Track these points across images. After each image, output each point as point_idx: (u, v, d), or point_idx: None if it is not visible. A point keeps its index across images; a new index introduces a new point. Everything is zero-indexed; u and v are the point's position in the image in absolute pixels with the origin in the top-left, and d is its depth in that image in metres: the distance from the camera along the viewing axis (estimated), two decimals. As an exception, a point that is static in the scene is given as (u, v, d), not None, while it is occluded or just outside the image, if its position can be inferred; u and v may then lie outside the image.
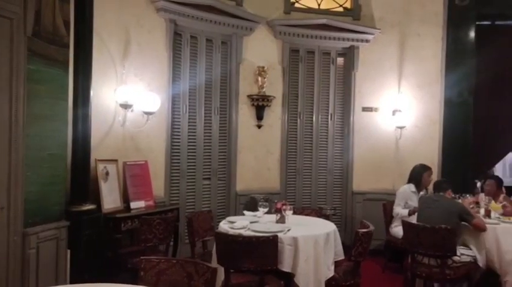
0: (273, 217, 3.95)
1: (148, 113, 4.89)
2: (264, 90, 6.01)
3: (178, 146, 5.54)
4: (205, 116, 5.77)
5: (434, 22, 6.37)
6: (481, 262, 4.15)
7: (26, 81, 3.39)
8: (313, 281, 3.47)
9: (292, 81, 6.29)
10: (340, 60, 6.49)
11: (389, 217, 5.40)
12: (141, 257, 2.61)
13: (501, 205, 4.67)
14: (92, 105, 4.19)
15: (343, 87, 6.48)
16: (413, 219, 4.55)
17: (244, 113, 6.03)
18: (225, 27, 5.80)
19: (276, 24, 6.07)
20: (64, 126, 3.87)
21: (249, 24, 5.93)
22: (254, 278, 3.51)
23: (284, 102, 6.22)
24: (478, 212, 4.59)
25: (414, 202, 5.04)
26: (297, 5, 6.38)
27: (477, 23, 6.29)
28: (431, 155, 6.30)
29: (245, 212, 4.29)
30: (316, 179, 6.40)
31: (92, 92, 4.18)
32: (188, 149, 5.63)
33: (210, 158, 5.84)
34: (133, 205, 4.72)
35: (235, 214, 5.38)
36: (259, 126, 6.11)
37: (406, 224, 4.21)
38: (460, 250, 4.15)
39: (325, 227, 3.84)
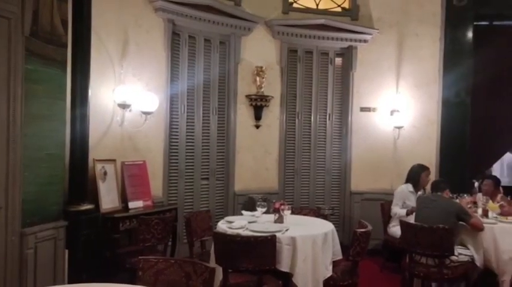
0: (271, 217, 3.95)
1: (146, 113, 4.88)
2: (262, 90, 6.01)
3: (177, 146, 5.54)
4: (203, 116, 5.78)
5: (432, 22, 6.38)
6: (478, 262, 4.16)
7: (23, 81, 3.38)
8: (311, 281, 3.47)
9: (290, 81, 6.30)
10: (338, 61, 6.49)
11: (387, 217, 5.40)
12: (139, 257, 2.61)
13: (498, 204, 4.67)
14: (90, 105, 4.19)
15: (341, 87, 6.49)
16: (411, 219, 4.56)
17: (243, 113, 6.03)
18: (223, 27, 5.80)
19: (274, 24, 6.08)
20: (62, 126, 3.87)
21: (247, 24, 5.93)
22: (252, 278, 3.51)
23: (282, 103, 6.23)
24: (476, 212, 4.60)
25: (412, 202, 5.05)
26: (295, 5, 6.39)
27: (475, 23, 6.30)
28: (429, 155, 6.31)
29: (243, 212, 4.28)
30: (314, 179, 6.40)
31: (90, 92, 4.17)
32: (186, 149, 5.63)
33: (208, 158, 5.84)
34: (131, 204, 4.72)
35: (233, 214, 5.37)
36: (257, 127, 6.11)
37: (404, 224, 4.22)
38: (458, 249, 4.16)
39: (323, 227, 3.84)
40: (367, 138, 6.43)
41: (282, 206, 3.91)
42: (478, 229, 4.16)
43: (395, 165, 6.35)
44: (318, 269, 3.52)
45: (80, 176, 4.12)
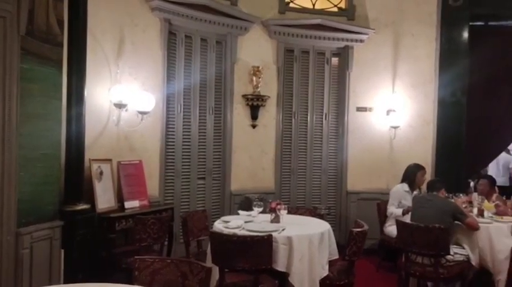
0: (268, 217, 3.95)
1: (142, 113, 4.87)
2: (258, 90, 6.01)
3: (173, 145, 5.53)
4: (199, 116, 5.77)
5: (428, 22, 6.40)
6: (474, 261, 4.18)
7: (19, 80, 3.37)
8: (307, 281, 3.48)
9: (286, 81, 6.30)
10: (334, 60, 6.50)
11: (383, 217, 5.42)
12: (136, 257, 2.61)
13: (494, 204, 4.70)
14: (86, 105, 4.17)
15: (337, 87, 6.50)
16: (407, 218, 4.57)
17: (239, 113, 6.03)
18: (220, 26, 5.79)
19: (270, 24, 6.08)
20: (58, 126, 3.85)
21: (243, 24, 5.93)
22: (249, 277, 3.52)
23: (279, 102, 6.23)
24: (471, 211, 4.62)
25: (408, 201, 5.06)
26: (291, 5, 6.39)
27: (470, 23, 6.33)
28: (425, 154, 6.34)
29: (240, 211, 4.29)
30: (310, 178, 6.41)
31: (85, 91, 4.15)
32: (183, 148, 5.62)
33: (204, 158, 5.84)
34: (127, 204, 4.71)
35: (229, 214, 5.37)
36: (253, 126, 6.11)
37: (400, 224, 4.23)
38: (454, 249, 4.17)
39: (319, 227, 3.84)
40: (363, 138, 6.44)
41: (279, 206, 3.91)
42: (474, 228, 4.18)
43: (391, 165, 6.36)
44: (314, 269, 3.53)
45: (76, 176, 4.10)
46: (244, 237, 3.39)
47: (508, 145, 7.68)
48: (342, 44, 6.40)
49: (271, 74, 6.17)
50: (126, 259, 4.07)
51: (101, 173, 4.49)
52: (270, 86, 6.14)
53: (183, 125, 5.62)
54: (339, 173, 6.49)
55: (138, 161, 5.02)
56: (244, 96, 6.00)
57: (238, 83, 5.99)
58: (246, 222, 3.84)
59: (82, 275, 3.90)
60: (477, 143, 6.43)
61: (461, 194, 4.92)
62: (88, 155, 4.31)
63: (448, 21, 6.33)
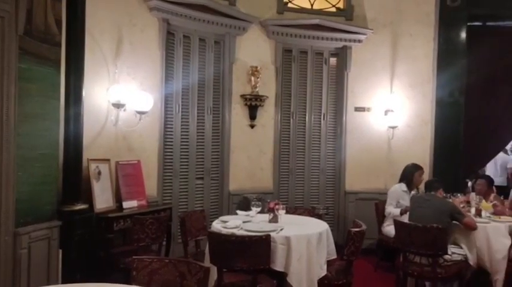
0: (266, 217, 3.95)
1: (141, 113, 4.87)
2: (257, 90, 6.01)
3: (171, 145, 5.53)
4: (198, 116, 5.77)
5: (426, 22, 6.42)
6: (471, 261, 4.18)
7: (17, 80, 3.36)
8: (305, 281, 3.48)
9: (285, 81, 6.30)
10: (332, 60, 6.51)
11: (381, 216, 5.42)
12: (134, 257, 2.60)
13: (492, 204, 4.71)
14: (84, 105, 4.17)
15: (335, 87, 6.50)
16: (405, 218, 4.58)
17: (237, 113, 6.03)
18: (218, 26, 5.79)
19: (269, 24, 6.08)
20: (56, 126, 3.85)
21: (242, 24, 5.93)
22: (247, 277, 3.52)
23: (277, 102, 6.23)
24: (469, 211, 4.63)
25: (406, 201, 5.07)
26: (290, 5, 6.40)
27: (468, 23, 6.34)
28: (423, 154, 6.35)
29: (238, 211, 4.28)
30: (308, 178, 6.41)
31: (84, 91, 4.15)
32: (181, 148, 5.62)
33: (202, 158, 5.84)
34: (125, 204, 4.70)
35: (228, 214, 5.37)
36: (252, 126, 6.12)
37: (398, 224, 4.23)
38: (451, 248, 4.18)
39: (317, 227, 3.85)
40: (361, 138, 6.45)
41: (277, 206, 3.92)
42: (471, 228, 4.18)
43: (389, 165, 6.37)
44: (312, 269, 3.53)
45: (74, 176, 4.10)
46: (243, 237, 3.39)
47: (506, 145, 7.72)
48: (340, 44, 6.40)
49: (270, 74, 6.17)
50: (124, 259, 4.07)
51: (99, 173, 4.49)
52: (268, 86, 6.14)
53: (181, 125, 5.61)
54: (337, 173, 6.49)
55: (136, 161, 5.02)
56: (242, 96, 6.00)
57: (236, 83, 5.99)
58: (244, 222, 3.84)
59: (80, 275, 3.89)
60: (475, 143, 6.44)
61: (459, 194, 4.93)
62: (86, 155, 4.31)
63: (446, 21, 6.34)
